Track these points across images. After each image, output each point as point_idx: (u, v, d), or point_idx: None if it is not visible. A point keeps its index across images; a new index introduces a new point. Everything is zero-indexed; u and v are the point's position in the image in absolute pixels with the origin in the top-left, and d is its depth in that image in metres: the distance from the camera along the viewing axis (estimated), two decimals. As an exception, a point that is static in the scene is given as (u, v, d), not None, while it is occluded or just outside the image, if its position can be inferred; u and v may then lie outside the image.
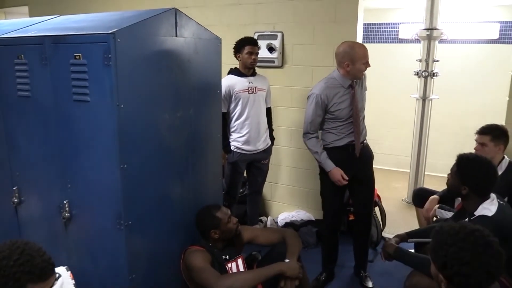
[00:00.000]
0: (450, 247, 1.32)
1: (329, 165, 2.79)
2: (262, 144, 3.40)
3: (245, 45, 3.24)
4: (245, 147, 3.34)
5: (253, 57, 3.25)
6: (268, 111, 3.50)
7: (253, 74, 3.36)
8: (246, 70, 3.31)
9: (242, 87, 3.27)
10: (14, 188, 2.48)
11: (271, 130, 3.55)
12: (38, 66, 2.15)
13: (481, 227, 1.36)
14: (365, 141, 2.88)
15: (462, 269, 1.29)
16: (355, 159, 2.81)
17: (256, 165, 3.51)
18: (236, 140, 3.33)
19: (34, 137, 2.32)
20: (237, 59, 3.30)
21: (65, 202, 2.20)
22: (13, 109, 2.37)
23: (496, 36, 4.96)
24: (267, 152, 3.50)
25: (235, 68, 3.34)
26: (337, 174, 2.78)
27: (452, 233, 1.34)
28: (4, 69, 2.33)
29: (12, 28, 2.42)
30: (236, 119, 3.31)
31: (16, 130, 2.40)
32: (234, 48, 3.28)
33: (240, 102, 3.27)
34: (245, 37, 3.32)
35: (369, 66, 2.73)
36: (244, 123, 3.31)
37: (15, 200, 2.49)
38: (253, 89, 3.30)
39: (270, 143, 3.51)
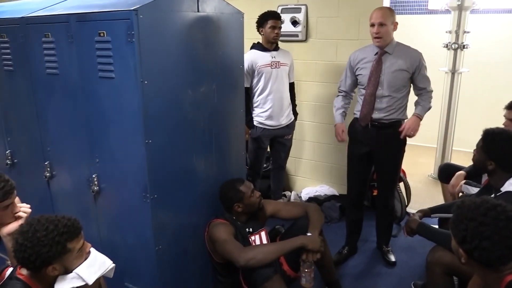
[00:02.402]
0: (471, 221, 1.31)
1: (336, 119, 2.92)
2: (285, 119, 3.40)
3: (268, 19, 3.20)
4: (268, 122, 3.35)
5: (276, 31, 3.22)
6: (291, 86, 3.47)
7: (276, 48, 3.33)
8: (269, 45, 3.28)
9: (265, 61, 3.25)
10: (46, 163, 2.57)
11: (294, 105, 3.53)
12: (65, 44, 2.19)
13: (504, 202, 1.34)
14: (394, 121, 2.76)
15: (482, 243, 1.28)
16: (370, 134, 2.79)
17: (279, 140, 3.51)
18: (259, 115, 3.34)
19: (63, 113, 2.39)
20: (260, 33, 3.28)
21: (93, 176, 2.27)
22: (42, 86, 2.44)
23: (532, 5, 4.73)
24: (290, 127, 3.50)
25: (258, 42, 3.32)
26: (338, 129, 2.91)
27: (473, 208, 1.33)
28: (33, 47, 2.39)
29: (38, 7, 2.47)
30: (259, 94, 3.31)
31: (46, 107, 2.48)
32: (257, 22, 3.25)
33: (262, 77, 3.26)
34: (268, 11, 3.28)
35: (375, 31, 2.62)
36: (267, 98, 3.31)
37: (47, 174, 2.59)
38: (276, 63, 3.28)
39: (293, 118, 3.50)
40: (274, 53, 3.30)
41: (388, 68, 2.67)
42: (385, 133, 2.77)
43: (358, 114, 2.82)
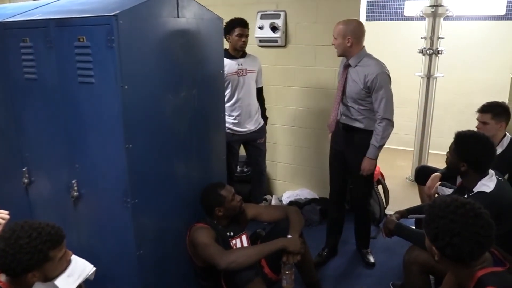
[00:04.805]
0: (442, 219, 1.37)
1: None
2: (253, 125, 3.41)
3: (235, 26, 3.17)
4: (236, 128, 3.36)
5: (243, 39, 3.19)
6: (260, 91, 3.48)
7: (243, 55, 3.31)
8: (235, 52, 3.26)
9: (231, 69, 3.23)
10: (24, 169, 2.54)
11: (263, 109, 3.54)
12: (43, 49, 2.18)
13: (472, 200, 1.40)
14: (360, 128, 2.80)
15: (453, 240, 1.34)
16: (342, 136, 2.90)
17: (253, 144, 3.52)
18: (227, 121, 3.33)
19: (41, 119, 2.37)
20: (227, 40, 3.22)
21: (73, 181, 2.26)
22: (20, 92, 2.41)
23: (503, 12, 4.88)
24: (260, 132, 3.50)
25: (225, 49, 3.31)
26: None
27: (444, 206, 1.39)
28: (11, 52, 2.37)
29: (16, 12, 2.45)
30: (227, 102, 3.28)
31: (24, 113, 2.46)
32: (224, 29, 3.17)
33: (229, 85, 3.25)
34: (235, 18, 3.24)
35: (332, 42, 2.74)
36: (234, 106, 3.31)
37: (25, 181, 2.56)
38: (242, 71, 3.28)
39: (262, 123, 3.50)
40: (241, 60, 3.28)
41: (349, 80, 2.77)
42: (352, 135, 2.85)
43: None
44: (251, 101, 3.36)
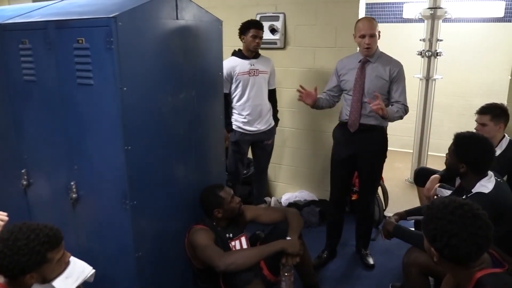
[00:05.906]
0: (440, 220, 1.37)
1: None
2: (263, 125, 3.44)
3: (250, 28, 3.25)
4: (246, 127, 3.39)
5: (257, 40, 3.26)
6: (272, 92, 3.51)
7: (256, 56, 3.37)
8: (248, 53, 3.33)
9: (243, 69, 3.29)
10: (22, 171, 2.54)
11: (275, 111, 3.57)
12: (43, 50, 2.18)
13: (470, 202, 1.41)
14: (375, 125, 2.82)
15: (451, 240, 1.34)
16: (354, 138, 2.85)
17: (260, 145, 3.55)
18: (238, 120, 3.38)
19: (40, 120, 2.37)
20: (241, 40, 3.32)
21: (72, 183, 2.25)
22: (19, 93, 2.41)
23: (501, 14, 4.90)
24: (270, 133, 3.53)
25: (239, 50, 3.36)
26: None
27: (442, 207, 1.39)
28: (10, 54, 2.37)
29: (16, 14, 2.45)
30: (237, 101, 3.35)
31: (23, 114, 2.46)
32: (239, 29, 3.29)
33: (240, 84, 3.30)
34: (251, 19, 3.33)
35: (367, 42, 2.69)
36: (245, 105, 3.35)
37: (24, 183, 2.55)
38: (254, 71, 3.32)
39: (273, 124, 3.53)
40: (253, 60, 3.34)
41: (369, 76, 2.77)
42: (367, 136, 2.83)
43: (346, 119, 2.88)
44: (261, 101, 3.40)
